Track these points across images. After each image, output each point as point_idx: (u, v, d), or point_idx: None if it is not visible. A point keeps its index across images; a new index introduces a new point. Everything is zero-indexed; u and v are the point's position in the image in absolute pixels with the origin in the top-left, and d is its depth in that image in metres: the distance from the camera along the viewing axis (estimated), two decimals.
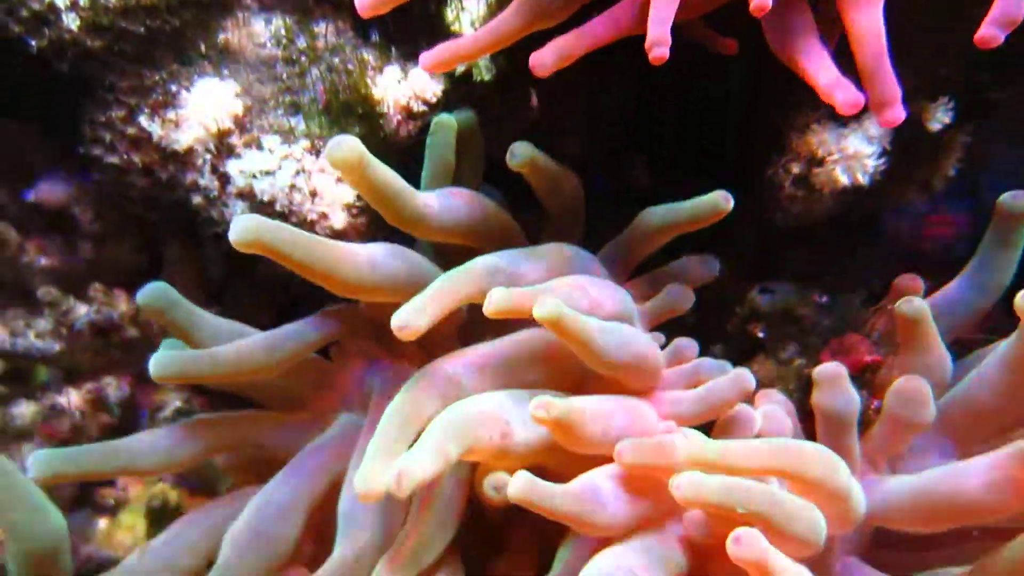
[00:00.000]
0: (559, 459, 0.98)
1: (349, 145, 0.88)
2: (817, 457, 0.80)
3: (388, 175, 0.93)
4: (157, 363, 0.96)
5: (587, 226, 1.22)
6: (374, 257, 0.95)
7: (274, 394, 1.16)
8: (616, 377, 1.00)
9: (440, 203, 0.99)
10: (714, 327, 1.24)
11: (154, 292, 1.03)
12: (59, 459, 0.99)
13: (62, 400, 1.11)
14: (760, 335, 1.17)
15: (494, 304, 0.88)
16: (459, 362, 0.95)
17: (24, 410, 1.09)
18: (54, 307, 1.11)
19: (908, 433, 0.94)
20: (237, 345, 1.01)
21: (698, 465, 0.78)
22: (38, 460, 0.98)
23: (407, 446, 0.86)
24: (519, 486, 0.80)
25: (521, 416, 0.91)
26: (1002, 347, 0.93)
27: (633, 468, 0.85)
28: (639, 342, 0.98)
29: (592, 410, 0.90)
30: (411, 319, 0.87)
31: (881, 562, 1.04)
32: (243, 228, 0.87)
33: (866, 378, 1.02)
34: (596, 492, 0.85)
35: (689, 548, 0.91)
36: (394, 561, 0.95)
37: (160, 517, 1.13)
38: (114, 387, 1.18)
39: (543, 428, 0.92)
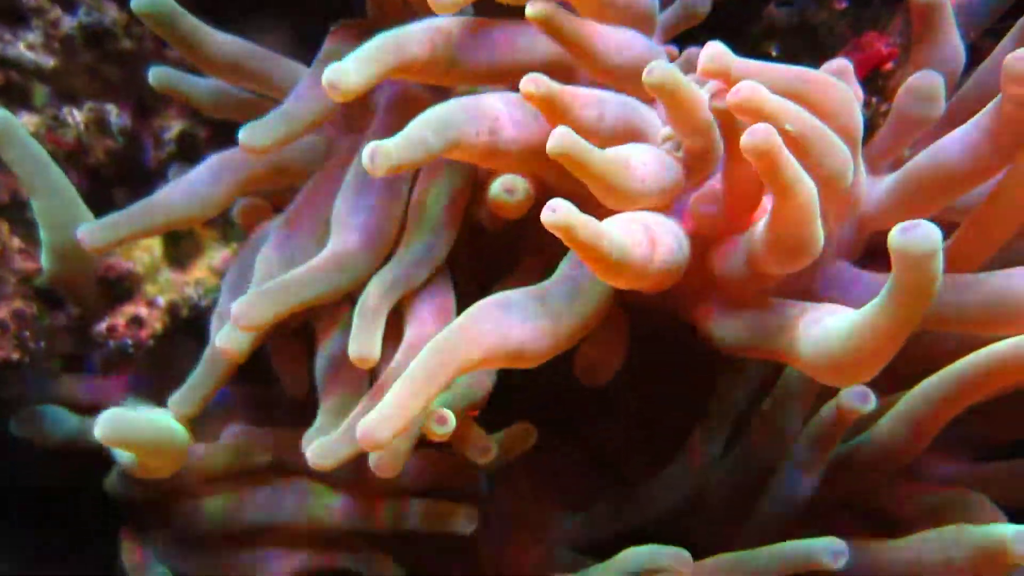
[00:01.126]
0: (554, 169, 0.98)
1: None
2: (837, 89, 0.79)
3: None
4: (250, 133, 0.97)
5: None
6: None
7: None
8: (619, 88, 0.99)
9: None
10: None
11: (152, 1, 0.99)
12: (107, 229, 1.01)
13: (64, 115, 1.10)
14: (773, 53, 1.14)
15: None
16: (457, 22, 0.92)
17: (26, 120, 1.08)
18: (40, 15, 1.06)
19: (915, 130, 0.94)
20: (304, 96, 0.99)
21: (716, 76, 0.77)
22: (86, 233, 1.00)
23: (384, 65, 0.85)
24: (559, 137, 0.78)
25: (511, 114, 0.90)
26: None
27: (655, 90, 0.83)
28: (638, 45, 0.96)
29: (586, 95, 0.88)
30: None
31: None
32: None
33: (879, 83, 1.01)
34: (628, 159, 0.85)
35: (692, 234, 0.94)
36: (383, 280, 1.00)
37: (175, 237, 1.16)
38: (115, 114, 1.16)
39: (536, 127, 0.90)
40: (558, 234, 0.75)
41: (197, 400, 1.03)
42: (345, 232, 0.99)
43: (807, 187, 0.73)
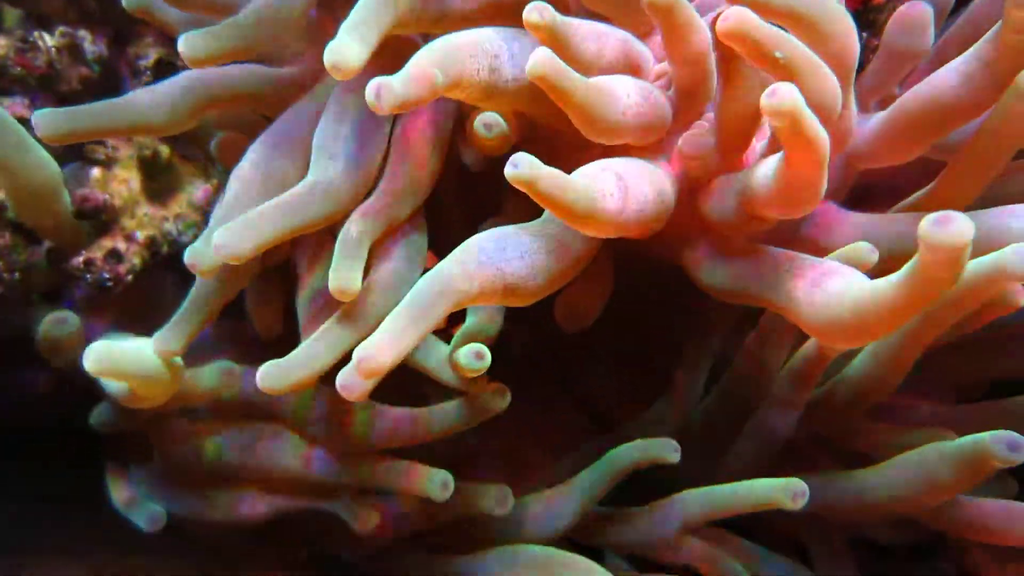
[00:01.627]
0: (548, 109, 0.96)
1: None
2: (834, 13, 0.78)
3: None
4: (190, 43, 0.93)
5: None
6: None
7: (265, 51, 1.12)
8: (614, 15, 0.97)
9: None
10: None
11: None
12: (65, 117, 0.97)
13: (35, 38, 1.06)
14: None
15: None
16: None
17: None
18: None
19: (905, 64, 0.93)
20: (258, 8, 0.95)
21: None
22: (42, 118, 0.96)
23: (379, 29, 0.83)
24: (539, 59, 0.75)
25: (511, 51, 0.88)
26: None
27: (651, 8, 0.81)
28: None
29: (587, 28, 0.87)
30: None
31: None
32: None
33: (870, 17, 0.99)
34: (612, 89, 0.84)
35: (681, 176, 0.93)
36: (366, 213, 0.98)
37: (153, 171, 1.13)
38: (89, 41, 1.13)
39: None
40: (522, 188, 0.74)
41: (184, 336, 1.00)
42: (328, 160, 0.97)
43: (823, 142, 0.72)
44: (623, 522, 1.11)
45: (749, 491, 1.00)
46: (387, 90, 0.76)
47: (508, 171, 0.72)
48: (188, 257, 0.94)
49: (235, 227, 0.90)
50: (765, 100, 0.68)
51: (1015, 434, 0.86)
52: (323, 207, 0.96)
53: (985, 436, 0.87)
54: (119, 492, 1.15)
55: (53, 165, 1.03)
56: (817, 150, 0.73)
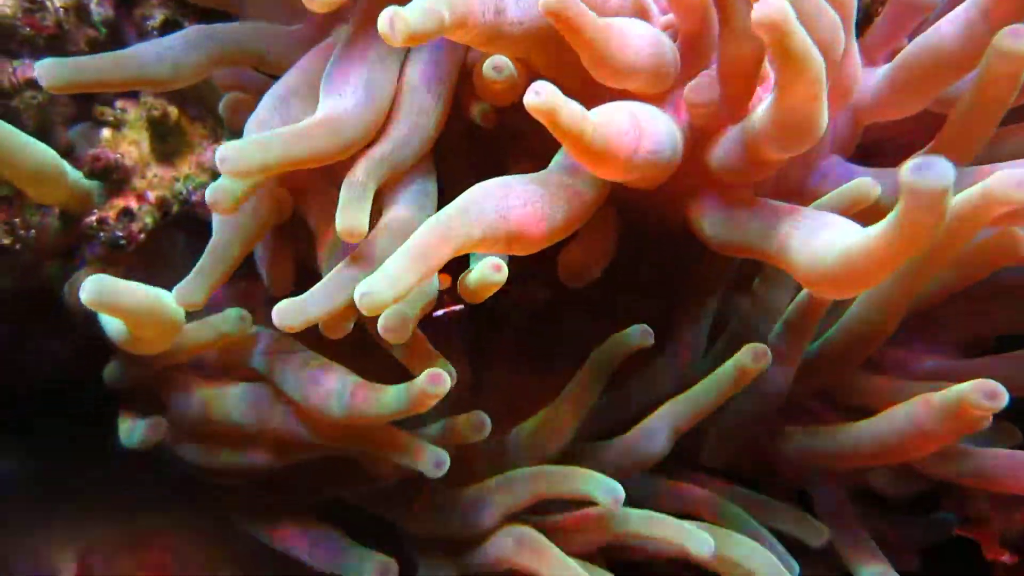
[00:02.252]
0: (552, 59, 0.95)
1: None
2: None
3: None
4: None
5: None
6: None
7: (271, 7, 1.11)
8: None
9: None
10: None
11: None
12: (68, 67, 0.96)
13: None
14: None
15: None
16: None
17: (1, 2, 1.04)
18: None
19: (913, 17, 0.92)
20: None
21: None
22: (45, 68, 0.95)
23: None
24: None
25: None
26: None
27: None
28: None
29: None
30: None
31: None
32: None
33: None
34: (623, 29, 0.84)
35: (687, 127, 0.93)
36: (371, 157, 0.98)
37: (162, 132, 1.13)
38: (96, 2, 1.12)
39: (538, 9, 0.88)
40: (541, 118, 0.73)
41: (206, 288, 0.98)
42: (338, 96, 0.97)
43: (817, 61, 0.71)
44: (611, 448, 1.13)
45: (720, 378, 1.05)
46: (400, 20, 0.76)
47: (529, 99, 0.72)
48: (210, 194, 0.92)
49: (243, 144, 0.88)
50: (756, 11, 0.67)
51: (995, 383, 0.87)
52: (332, 140, 0.94)
53: (966, 386, 0.88)
54: (126, 425, 1.12)
55: (47, 151, 1.02)
56: (809, 70, 0.71)
